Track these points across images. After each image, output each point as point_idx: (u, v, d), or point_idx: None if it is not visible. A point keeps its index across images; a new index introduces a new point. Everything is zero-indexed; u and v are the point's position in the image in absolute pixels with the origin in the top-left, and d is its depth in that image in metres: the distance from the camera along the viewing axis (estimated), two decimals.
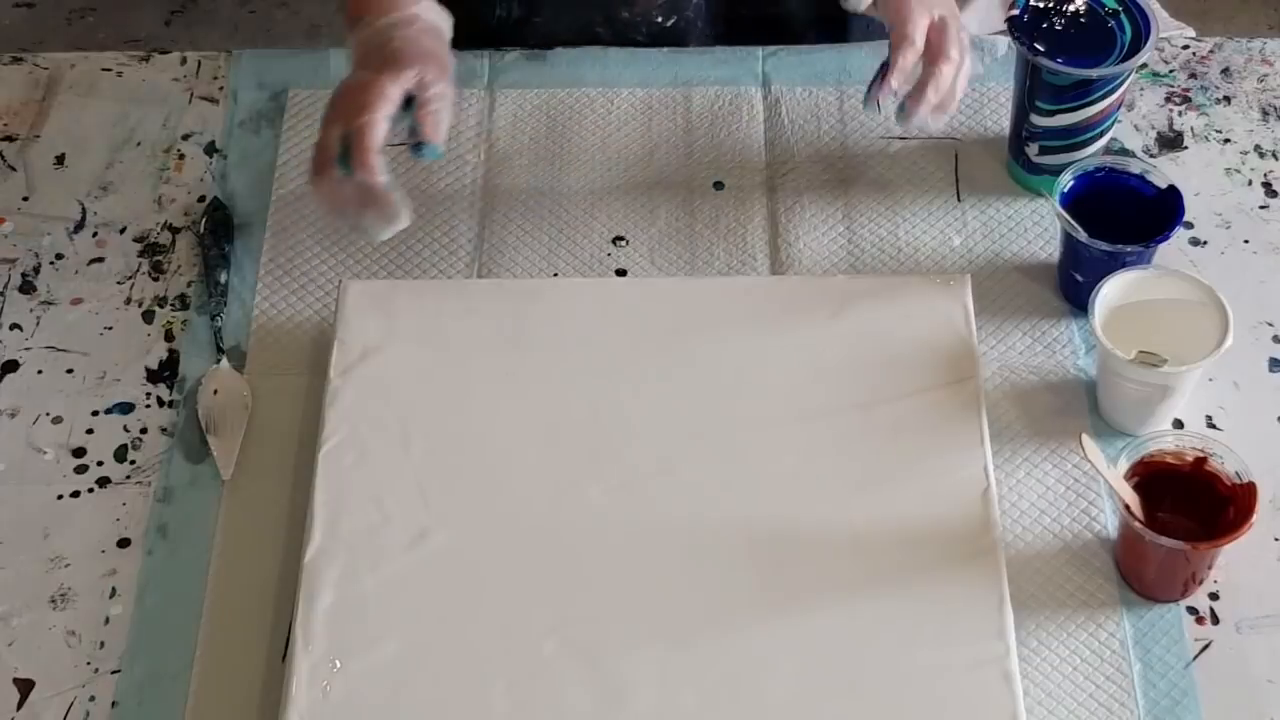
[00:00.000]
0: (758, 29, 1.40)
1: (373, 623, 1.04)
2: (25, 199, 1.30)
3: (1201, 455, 1.06)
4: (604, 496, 1.08)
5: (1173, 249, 1.23)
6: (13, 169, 1.32)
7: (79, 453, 1.16)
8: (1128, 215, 1.16)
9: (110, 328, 1.22)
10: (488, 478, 1.10)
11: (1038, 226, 1.25)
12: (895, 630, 1.03)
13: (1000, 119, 1.32)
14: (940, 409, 1.11)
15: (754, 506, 1.08)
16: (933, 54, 1.15)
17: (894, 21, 1.15)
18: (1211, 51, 1.37)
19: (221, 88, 1.37)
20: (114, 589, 1.09)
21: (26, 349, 1.21)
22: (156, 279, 1.25)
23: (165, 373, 1.20)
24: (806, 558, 1.05)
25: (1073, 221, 1.16)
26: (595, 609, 1.04)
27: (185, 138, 1.33)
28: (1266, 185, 1.28)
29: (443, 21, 1.17)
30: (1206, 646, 1.06)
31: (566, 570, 1.05)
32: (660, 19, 1.38)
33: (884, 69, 1.15)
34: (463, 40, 1.24)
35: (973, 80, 1.33)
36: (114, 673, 1.06)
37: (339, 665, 1.02)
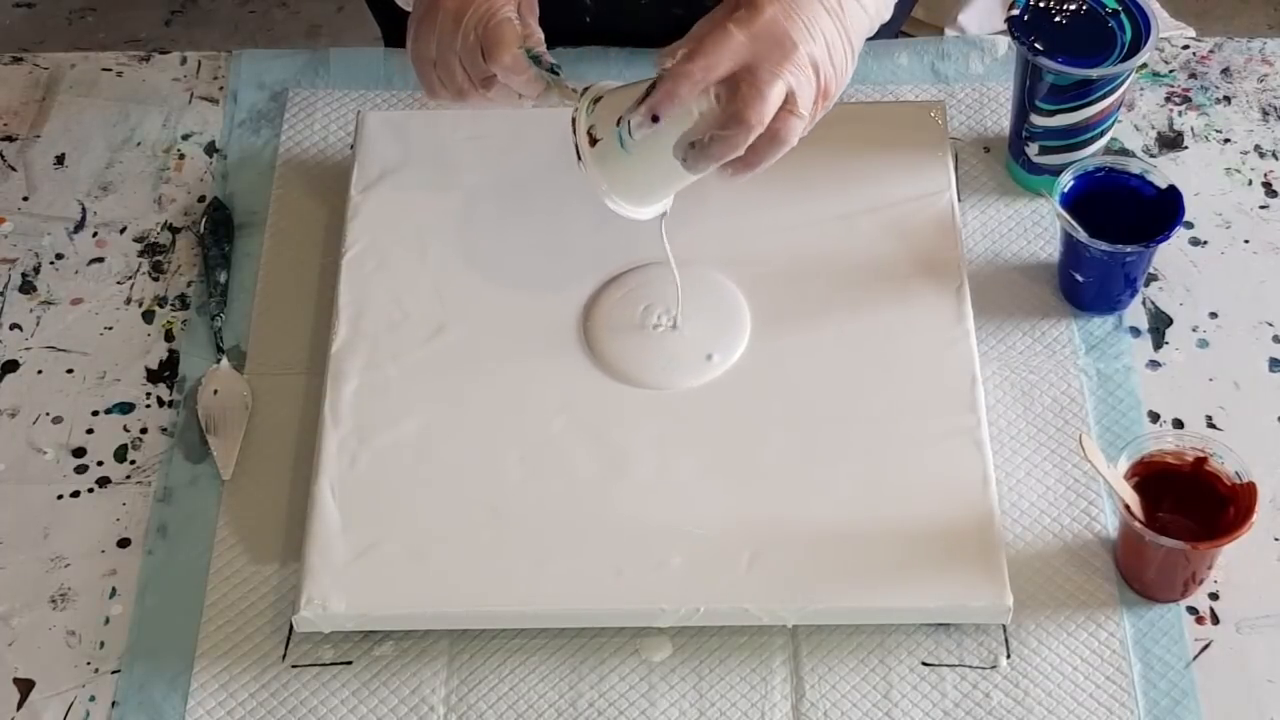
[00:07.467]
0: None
1: (395, 403, 1.13)
2: (25, 199, 1.30)
3: (1201, 455, 1.06)
4: (605, 289, 1.18)
5: (1173, 249, 1.23)
6: (13, 169, 1.32)
7: (79, 453, 1.16)
8: (1128, 215, 1.16)
9: (110, 328, 1.22)
10: (499, 279, 1.19)
11: (1038, 226, 1.25)
12: (877, 403, 1.12)
13: (1000, 119, 1.31)
14: (918, 215, 1.20)
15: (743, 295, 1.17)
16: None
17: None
18: (1211, 51, 1.37)
19: (221, 88, 1.37)
20: (114, 589, 1.09)
21: (26, 349, 1.21)
22: (156, 279, 1.25)
23: (165, 373, 1.20)
24: (795, 342, 1.15)
25: (1073, 221, 1.16)
26: (600, 390, 1.13)
27: (185, 138, 1.33)
28: (1266, 185, 1.28)
29: None
30: (1206, 646, 1.06)
31: (573, 358, 1.15)
32: None
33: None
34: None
35: (972, 80, 1.34)
36: (114, 673, 1.06)
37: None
